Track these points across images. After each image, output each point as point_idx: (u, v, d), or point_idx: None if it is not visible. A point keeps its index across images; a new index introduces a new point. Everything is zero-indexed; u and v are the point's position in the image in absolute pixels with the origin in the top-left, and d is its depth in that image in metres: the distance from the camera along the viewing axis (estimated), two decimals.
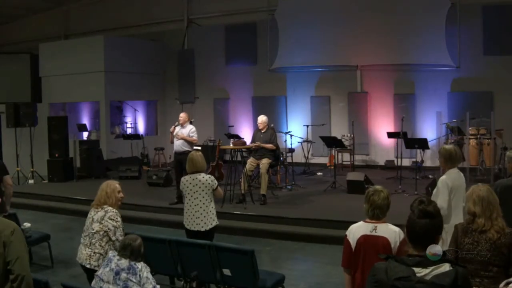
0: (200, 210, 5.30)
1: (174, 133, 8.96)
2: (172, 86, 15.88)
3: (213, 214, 5.38)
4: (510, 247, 3.21)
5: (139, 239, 3.85)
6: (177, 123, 9.09)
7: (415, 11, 12.34)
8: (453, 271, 2.18)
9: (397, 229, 3.39)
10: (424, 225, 2.30)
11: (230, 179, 8.67)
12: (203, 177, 5.32)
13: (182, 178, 5.48)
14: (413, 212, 2.36)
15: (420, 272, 2.19)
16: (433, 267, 2.20)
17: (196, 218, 5.30)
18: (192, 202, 5.32)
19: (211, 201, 5.37)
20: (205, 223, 5.30)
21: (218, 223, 5.47)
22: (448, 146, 4.84)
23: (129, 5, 16.18)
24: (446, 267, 2.20)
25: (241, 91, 14.90)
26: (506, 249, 3.21)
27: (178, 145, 8.88)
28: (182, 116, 9.13)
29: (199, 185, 5.29)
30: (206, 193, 5.30)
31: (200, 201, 5.30)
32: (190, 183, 5.32)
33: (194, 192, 5.30)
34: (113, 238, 4.36)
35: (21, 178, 11.88)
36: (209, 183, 5.30)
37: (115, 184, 4.57)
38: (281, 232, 7.71)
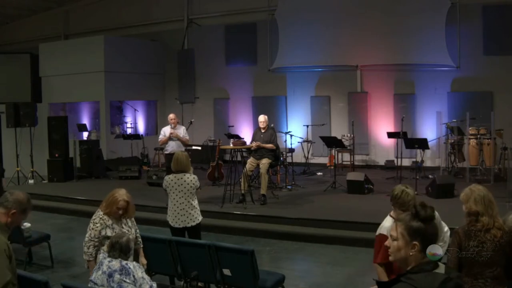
0: (186, 208, 5.49)
1: (174, 135, 9.08)
2: (172, 86, 15.89)
3: (198, 210, 5.60)
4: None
5: (126, 235, 3.86)
6: (172, 125, 9.22)
7: (415, 11, 12.34)
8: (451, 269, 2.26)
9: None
10: (435, 226, 2.24)
11: (230, 179, 8.67)
12: (188, 178, 5.50)
13: (166, 177, 5.65)
14: (424, 219, 2.21)
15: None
16: (438, 266, 2.21)
17: (182, 215, 5.49)
18: (177, 201, 5.50)
19: (194, 198, 5.57)
20: (190, 219, 5.51)
21: (202, 218, 5.67)
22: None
23: (129, 5, 16.19)
24: (441, 265, 2.22)
25: (241, 91, 14.90)
26: (508, 247, 3.22)
27: (174, 146, 9.00)
28: (174, 117, 9.32)
29: (184, 185, 5.48)
30: (191, 192, 5.51)
31: (185, 199, 5.49)
32: (175, 182, 5.49)
33: (180, 191, 5.48)
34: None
35: (21, 178, 11.88)
36: (193, 184, 5.51)
37: (118, 198, 4.36)
38: (281, 232, 7.71)
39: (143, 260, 4.67)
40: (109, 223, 4.37)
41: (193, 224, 5.51)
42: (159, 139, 9.46)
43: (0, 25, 18.64)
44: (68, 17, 17.52)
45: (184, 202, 5.49)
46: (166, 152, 9.36)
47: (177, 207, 5.50)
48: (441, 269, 2.19)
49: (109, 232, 4.33)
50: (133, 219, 4.65)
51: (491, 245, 3.22)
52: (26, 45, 17.09)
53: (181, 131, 9.28)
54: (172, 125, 9.25)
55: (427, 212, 2.21)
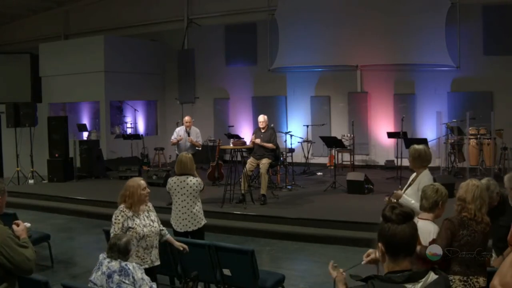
0: (188, 212, 5.38)
1: (190, 141, 9.19)
2: (172, 86, 15.89)
3: (200, 213, 5.47)
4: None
5: (125, 236, 3.87)
6: (188, 129, 9.29)
7: (415, 11, 12.34)
8: (442, 279, 2.06)
9: (432, 227, 3.53)
10: (407, 230, 2.01)
11: (230, 179, 8.67)
12: (191, 181, 5.38)
13: (169, 179, 5.55)
14: (389, 220, 2.04)
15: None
16: (423, 280, 2.00)
17: (183, 219, 5.39)
18: (179, 204, 5.39)
19: (198, 201, 5.45)
20: (192, 223, 5.40)
21: (206, 221, 5.56)
22: (418, 146, 4.87)
23: (129, 5, 16.18)
24: (431, 275, 2.04)
25: (241, 91, 14.90)
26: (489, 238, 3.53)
27: (188, 147, 9.03)
28: (190, 120, 9.39)
29: (187, 188, 5.36)
30: (193, 196, 5.39)
31: (188, 203, 5.37)
32: (178, 185, 5.39)
33: (182, 195, 5.38)
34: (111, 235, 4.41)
35: (21, 178, 11.87)
36: (196, 187, 5.39)
37: (138, 182, 4.42)
38: (281, 232, 7.71)
39: (177, 243, 4.68)
40: (130, 215, 4.39)
41: (195, 228, 5.40)
42: (171, 140, 9.47)
43: (0, 25, 18.64)
44: (68, 17, 17.51)
45: (186, 206, 5.38)
46: (177, 153, 9.39)
47: (179, 210, 5.40)
48: (428, 278, 2.02)
49: (130, 223, 4.36)
50: (155, 212, 4.61)
51: (480, 235, 3.41)
52: (26, 45, 17.08)
53: (194, 134, 9.39)
54: (187, 128, 9.32)
55: (390, 214, 2.03)
